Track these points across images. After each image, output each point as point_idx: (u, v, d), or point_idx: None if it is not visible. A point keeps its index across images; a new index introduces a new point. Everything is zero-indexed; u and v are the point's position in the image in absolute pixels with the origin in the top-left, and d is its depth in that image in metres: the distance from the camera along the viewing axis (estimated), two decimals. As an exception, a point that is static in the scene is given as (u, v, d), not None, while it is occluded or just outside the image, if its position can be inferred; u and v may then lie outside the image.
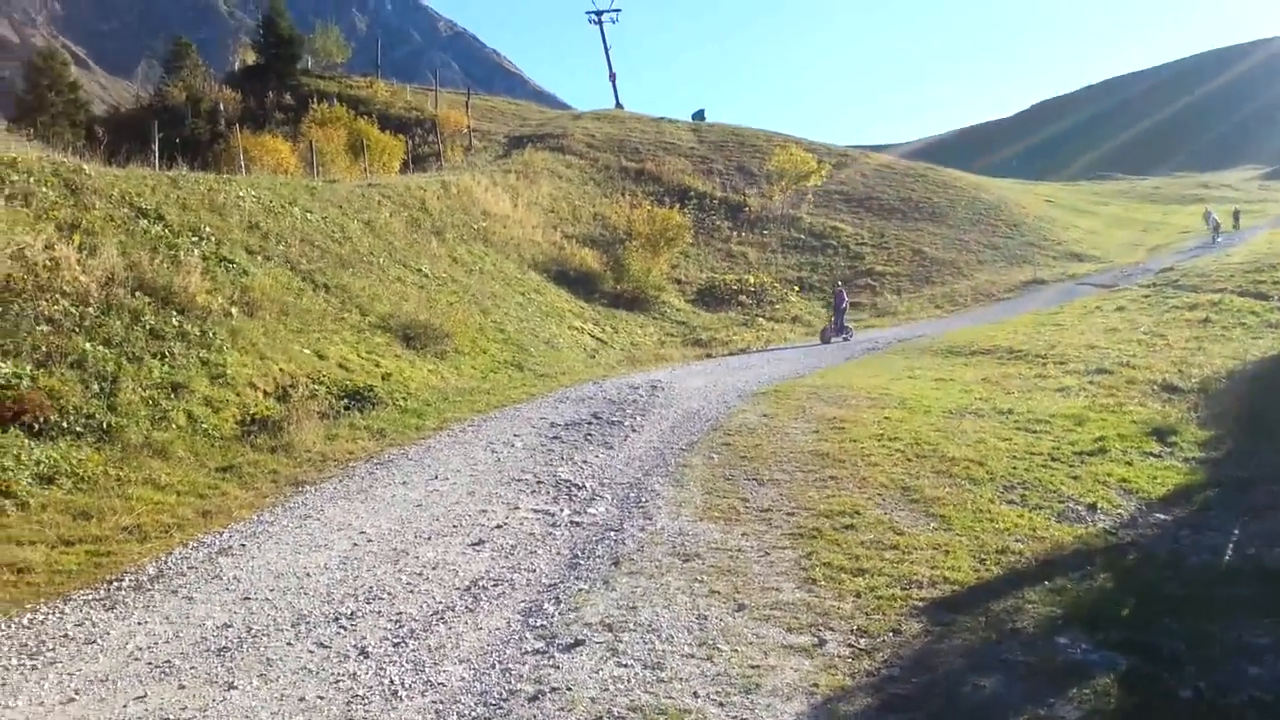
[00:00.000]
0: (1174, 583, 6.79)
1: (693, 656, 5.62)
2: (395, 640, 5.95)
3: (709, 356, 23.07)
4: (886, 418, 12.19)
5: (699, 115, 56.66)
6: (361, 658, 5.71)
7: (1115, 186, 68.89)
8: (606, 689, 5.25)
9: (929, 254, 35.37)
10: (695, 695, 5.16)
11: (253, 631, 6.12)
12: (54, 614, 6.42)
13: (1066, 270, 33.28)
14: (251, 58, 49.81)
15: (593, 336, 24.49)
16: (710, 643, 5.80)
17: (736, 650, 5.69)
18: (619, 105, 58.80)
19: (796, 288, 32.37)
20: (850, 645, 5.74)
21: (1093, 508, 8.64)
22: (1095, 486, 9.26)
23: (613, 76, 63.34)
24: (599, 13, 60.44)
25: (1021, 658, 5.51)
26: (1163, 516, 8.60)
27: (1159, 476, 9.77)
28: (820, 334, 25.02)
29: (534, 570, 7.23)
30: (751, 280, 32.01)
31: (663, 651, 5.69)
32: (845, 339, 24.55)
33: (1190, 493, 9.37)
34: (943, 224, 38.35)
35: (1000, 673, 5.34)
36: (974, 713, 4.96)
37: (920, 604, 6.33)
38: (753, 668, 5.46)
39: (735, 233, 36.59)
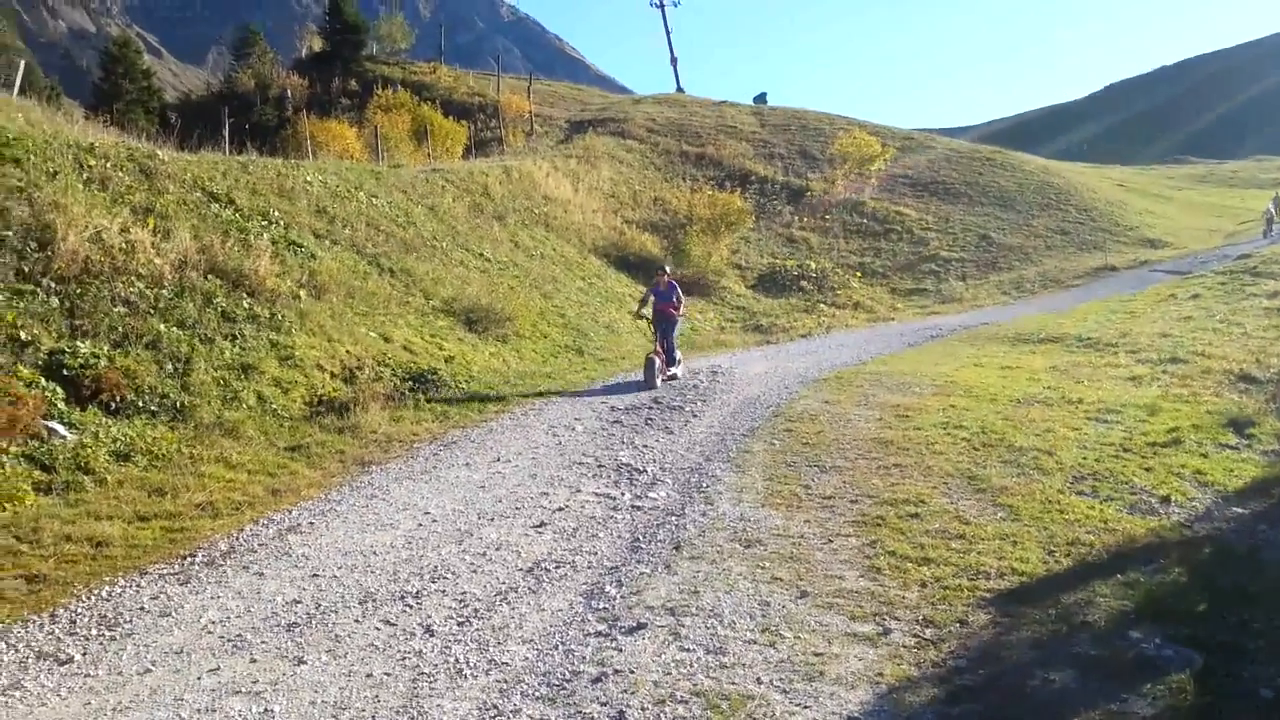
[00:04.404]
0: (1252, 578, 6.56)
1: (755, 642, 5.60)
2: (460, 619, 6.01)
3: (769, 342, 22.93)
4: (952, 406, 11.99)
5: (761, 98, 56.23)
6: (427, 636, 5.78)
7: (1191, 171, 66.94)
8: (669, 673, 5.25)
9: (996, 239, 34.73)
10: (758, 681, 5.13)
11: (321, 608, 6.23)
12: (131, 587, 6.60)
13: (1139, 257, 32.43)
14: (318, 44, 50.64)
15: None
16: (773, 629, 5.76)
17: (799, 637, 5.65)
18: (680, 89, 58.62)
19: (859, 273, 32.00)
20: (915, 635, 5.66)
21: (1166, 500, 8.41)
22: (1168, 478, 9.01)
23: (674, 60, 62.89)
24: (661, -4, 60.10)
25: (1092, 651, 5.39)
26: (1240, 510, 8.34)
27: (1235, 469, 9.47)
28: (645, 367, 14.69)
29: (595, 553, 7.25)
30: (813, 266, 31.70)
31: (725, 637, 5.68)
32: (673, 377, 15.05)
33: (1269, 486, 9.05)
34: (1010, 209, 37.59)
35: (1070, 666, 5.22)
36: (1043, 706, 4.86)
37: (987, 595, 6.22)
38: (816, 655, 5.42)
39: (797, 217, 36.27)
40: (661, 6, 61.31)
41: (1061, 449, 9.82)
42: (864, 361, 17.10)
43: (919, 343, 20.53)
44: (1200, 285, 24.04)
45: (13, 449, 8.54)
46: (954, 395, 12.72)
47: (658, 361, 14.68)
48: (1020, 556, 6.87)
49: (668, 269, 16.74)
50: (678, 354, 15.63)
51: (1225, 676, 5.11)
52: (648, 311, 15.84)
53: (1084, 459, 9.49)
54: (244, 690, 5.14)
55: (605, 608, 6.18)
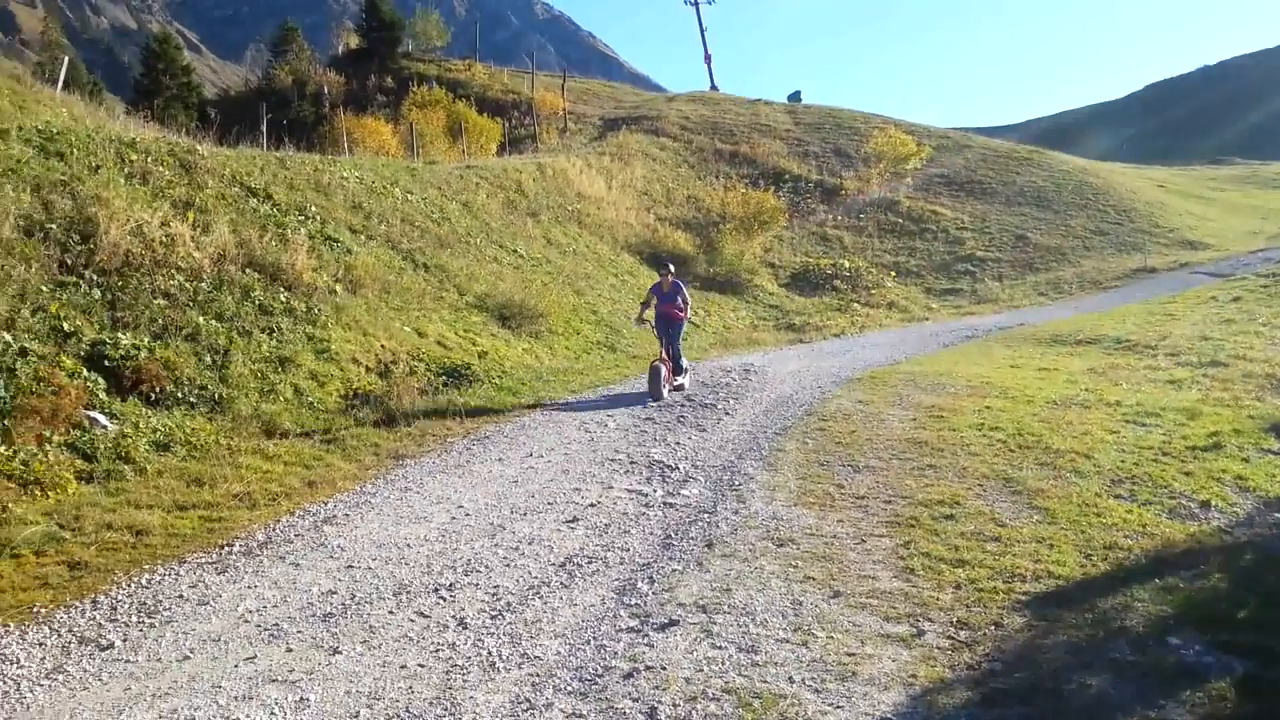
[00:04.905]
0: (1296, 586, 6.46)
1: (787, 641, 5.58)
2: (493, 613, 6.05)
3: (802, 341, 22.84)
4: (987, 407, 11.88)
5: (795, 97, 55.94)
6: (460, 629, 5.82)
7: (1233, 172, 65.70)
8: (701, 670, 5.24)
9: (1033, 239, 34.33)
10: (790, 680, 5.12)
11: (356, 599, 6.29)
12: (170, 575, 6.70)
13: (1179, 258, 31.91)
14: (355, 42, 51.00)
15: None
16: (805, 628, 5.74)
17: (832, 637, 5.62)
18: (714, 87, 58.39)
19: (893, 273, 31.77)
20: (950, 637, 5.62)
21: (1206, 505, 8.28)
22: (1209, 483, 8.86)
23: (708, 58, 62.61)
24: (696, -7, 59.94)
25: (1130, 657, 5.32)
26: (1282, 516, 8.20)
27: (1277, 474, 9.30)
28: (649, 376, 13.55)
29: (627, 549, 7.26)
30: (846, 265, 31.49)
31: (757, 635, 5.66)
32: (679, 387, 13.99)
33: (1312, 493, 8.89)
34: (1048, 209, 37.14)
35: (1108, 672, 5.16)
36: (1080, 712, 4.80)
37: (1023, 598, 6.15)
38: (849, 655, 5.39)
39: (830, 216, 36.05)
40: (695, 4, 61.18)
41: (1099, 452, 9.69)
42: (898, 361, 16.98)
43: (954, 343, 20.36)
44: (1242, 288, 23.63)
45: (56, 438, 8.70)
46: (990, 396, 12.60)
47: (663, 370, 13.56)
48: (1057, 560, 6.79)
49: (672, 267, 15.15)
50: (685, 361, 14.49)
51: (1268, 685, 5.03)
52: (650, 316, 14.46)
53: (1122, 462, 9.37)
54: (280, 679, 5.20)
55: (637, 604, 6.18)
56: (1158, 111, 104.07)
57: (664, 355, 13.96)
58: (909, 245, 34.21)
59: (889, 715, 4.80)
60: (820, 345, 21.56)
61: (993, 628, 5.74)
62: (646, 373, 13.86)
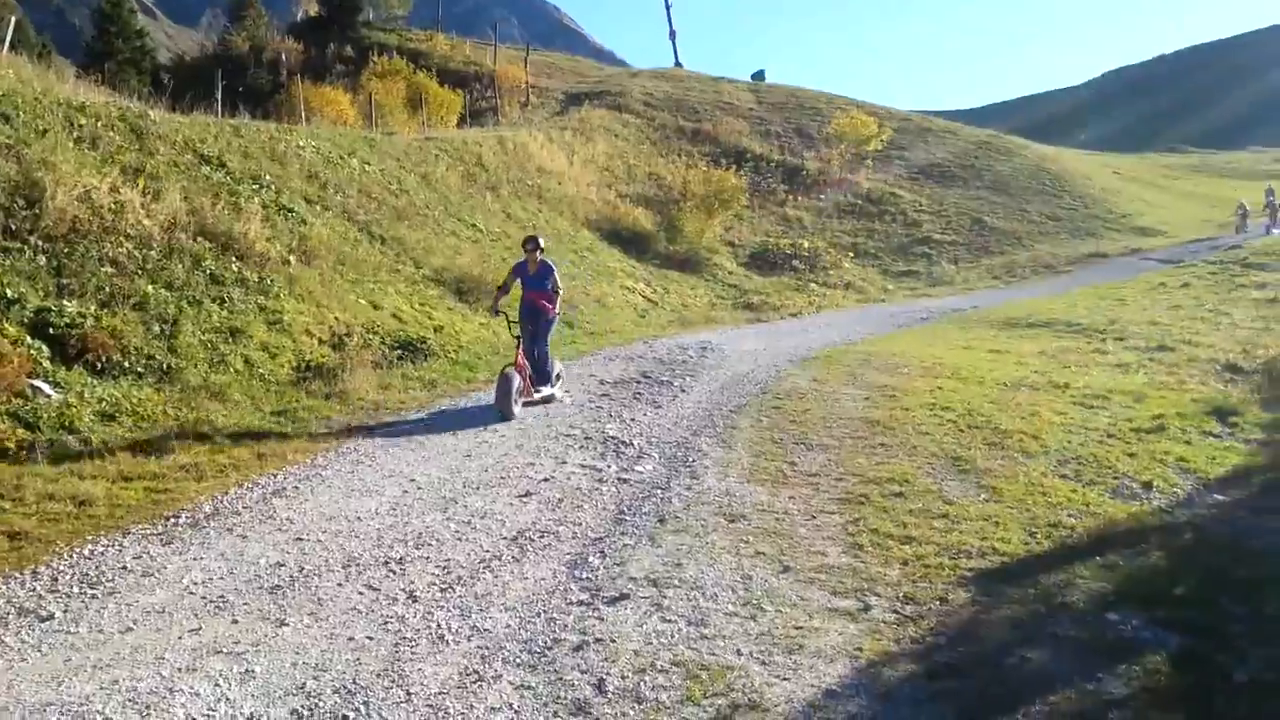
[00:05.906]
0: (1231, 564, 6.62)
1: (736, 615, 5.63)
2: (443, 586, 6.03)
3: (760, 320, 22.93)
4: (939, 387, 12.04)
5: (759, 76, 55.99)
6: (410, 601, 5.79)
7: (1186, 160, 66.90)
8: (650, 643, 5.27)
9: (989, 223, 34.73)
10: (738, 653, 5.16)
11: (304, 571, 6.23)
12: (113, 546, 6.58)
13: (1131, 244, 32.50)
14: (314, 9, 50.18)
15: (643, 296, 24.44)
16: (754, 602, 5.80)
17: (780, 611, 5.68)
18: (678, 64, 58.29)
19: (851, 254, 31.97)
20: (896, 611, 5.70)
21: (1148, 485, 8.46)
22: (1152, 464, 9.06)
23: (673, 35, 62.43)
24: (661, -31, 59.63)
25: (1071, 632, 5.43)
26: (1221, 497, 8.40)
27: (1218, 457, 9.53)
28: (497, 387, 10.68)
29: (580, 524, 7.27)
30: (806, 245, 31.63)
31: (706, 609, 5.70)
32: (548, 399, 11.41)
33: (1250, 474, 9.12)
34: (1004, 193, 37.58)
35: (1049, 646, 5.27)
36: (1020, 684, 4.90)
37: (968, 574, 6.26)
38: (796, 629, 5.45)
39: (791, 196, 36.15)
40: (661, -20, 60.81)
41: (1046, 433, 9.87)
42: (853, 341, 17.13)
43: (909, 324, 20.58)
44: (1191, 274, 24.13)
45: (-3, 406, 8.50)
46: (942, 377, 12.77)
47: (516, 380, 10.68)
48: (1002, 537, 6.91)
49: (542, 242, 11.64)
50: (555, 364, 11.70)
51: (1201, 659, 5.16)
52: (511, 306, 11.73)
53: (1069, 443, 9.54)
54: (225, 650, 5.14)
55: (588, 578, 6.20)
56: (1116, 99, 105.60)
57: (520, 360, 11.14)
58: (867, 227, 34.44)
59: (834, 687, 4.86)
60: (777, 325, 21.69)
61: (938, 603, 5.83)
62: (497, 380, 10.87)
